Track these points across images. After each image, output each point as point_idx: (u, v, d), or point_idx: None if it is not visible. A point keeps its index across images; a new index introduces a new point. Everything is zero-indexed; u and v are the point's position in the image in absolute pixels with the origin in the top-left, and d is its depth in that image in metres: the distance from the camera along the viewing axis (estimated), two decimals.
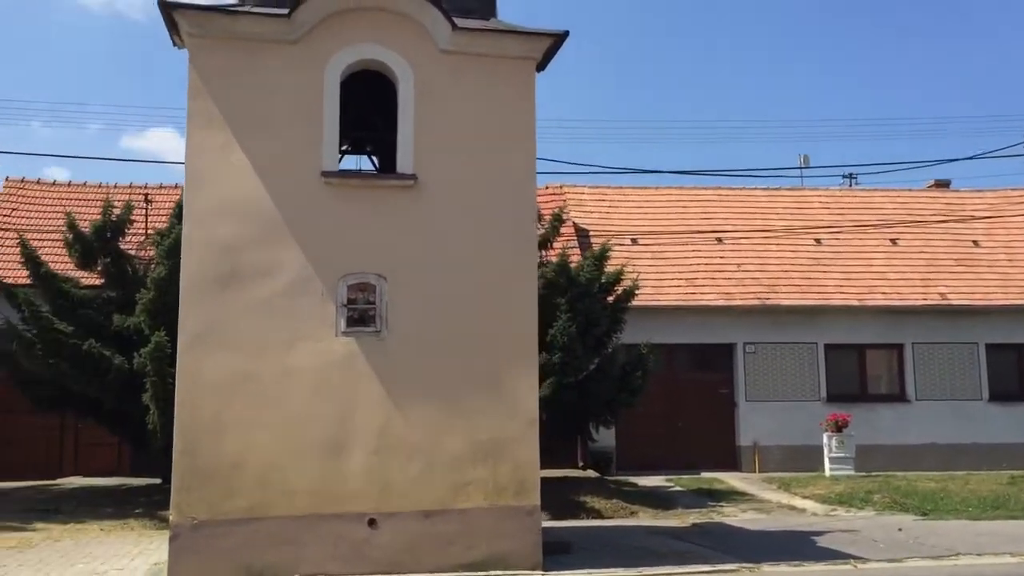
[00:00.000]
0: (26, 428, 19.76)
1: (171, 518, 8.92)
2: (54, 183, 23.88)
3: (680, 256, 23.27)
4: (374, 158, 12.28)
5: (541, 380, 15.46)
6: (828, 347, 22.43)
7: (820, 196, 26.11)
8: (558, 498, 15.39)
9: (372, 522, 9.15)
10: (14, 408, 18.90)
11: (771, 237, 23.90)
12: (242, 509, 8.92)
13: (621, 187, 25.83)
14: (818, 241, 24.00)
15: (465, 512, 9.33)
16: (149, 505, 14.98)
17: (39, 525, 13.60)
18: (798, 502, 16.60)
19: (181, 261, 9.24)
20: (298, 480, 9.03)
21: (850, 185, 32.55)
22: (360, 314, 9.34)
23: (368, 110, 10.73)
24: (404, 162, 9.64)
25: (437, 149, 9.64)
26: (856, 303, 22.44)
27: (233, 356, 9.02)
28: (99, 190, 22.55)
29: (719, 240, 23.76)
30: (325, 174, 9.40)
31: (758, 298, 22.26)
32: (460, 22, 9.68)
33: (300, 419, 9.10)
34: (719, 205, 25.15)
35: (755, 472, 21.19)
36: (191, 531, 8.85)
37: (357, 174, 10.79)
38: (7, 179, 23.56)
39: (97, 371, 15.20)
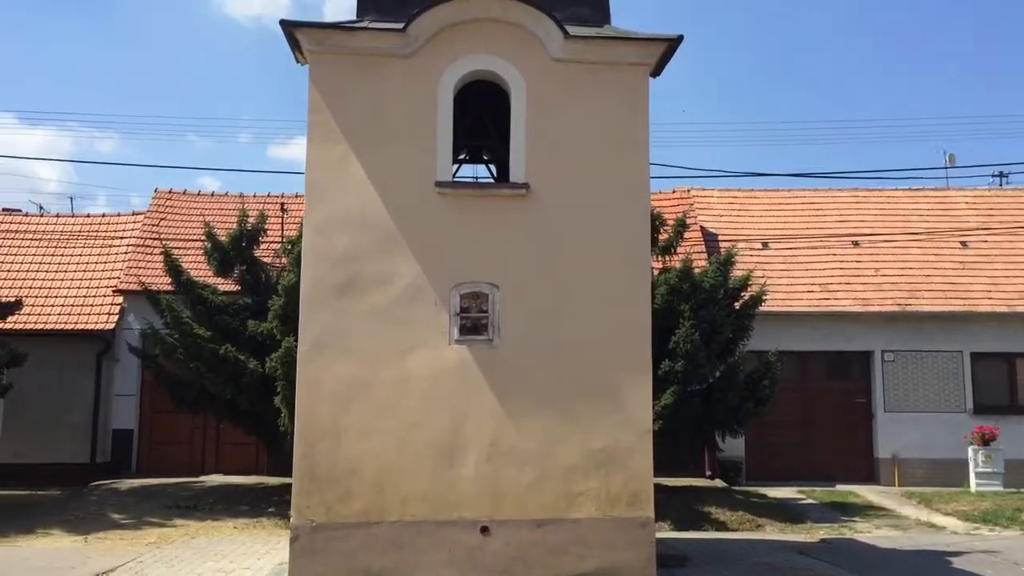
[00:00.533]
0: (174, 428, 20.87)
1: (291, 520, 9.24)
2: (199, 194, 25.09)
3: (814, 260, 22.53)
4: (492, 167, 12.40)
5: (664, 388, 15.49)
6: (975, 356, 21.28)
7: (967, 196, 24.81)
8: (681, 508, 15.19)
9: (484, 529, 9.22)
10: (163, 409, 20.02)
11: (913, 240, 22.88)
12: (358, 513, 9.14)
13: (752, 190, 25.20)
14: (964, 244, 22.81)
15: (577, 522, 9.29)
16: (281, 504, 15.55)
17: (178, 521, 14.34)
18: (938, 519, 15.83)
19: (301, 271, 9.55)
20: (412, 486, 9.19)
21: (1000, 184, 30.84)
22: (473, 322, 9.44)
23: (483, 119, 10.84)
24: (516, 171, 9.70)
25: (550, 157, 9.65)
26: (1006, 310, 21.22)
27: (350, 364, 9.26)
28: (240, 200, 23.49)
29: (856, 244, 22.89)
30: (439, 184, 9.54)
31: (897, 304, 21.34)
32: (573, 30, 9.66)
33: (414, 426, 9.26)
34: (856, 208, 24.24)
35: (894, 486, 20.33)
36: (310, 533, 9.13)
37: (470, 184, 10.91)
38: (156, 190, 24.89)
39: (233, 374, 15.91)
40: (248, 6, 72.58)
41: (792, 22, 65.87)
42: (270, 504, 15.87)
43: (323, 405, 9.23)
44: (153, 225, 23.02)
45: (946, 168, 25.66)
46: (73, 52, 66.10)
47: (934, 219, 23.63)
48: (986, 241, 22.83)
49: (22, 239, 22.88)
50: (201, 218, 20.65)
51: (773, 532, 14.44)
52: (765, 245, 22.81)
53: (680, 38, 9.67)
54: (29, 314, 19.66)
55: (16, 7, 67.13)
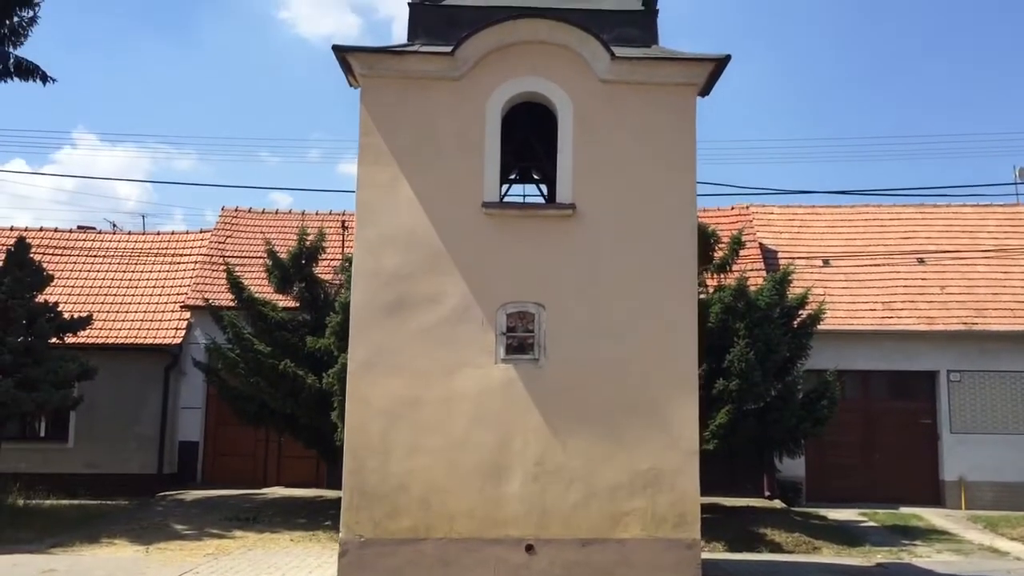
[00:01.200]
0: (238, 441, 21.32)
1: (340, 535, 9.40)
2: (263, 212, 25.64)
3: (877, 278, 22.12)
4: (542, 186, 12.47)
5: (718, 407, 15.36)
6: None
7: None
8: (736, 529, 15.02)
9: (530, 548, 9.26)
10: (227, 421, 20.47)
11: (980, 257, 22.34)
12: (406, 529, 9.26)
13: (813, 206, 24.84)
14: None
15: (623, 542, 9.28)
16: (337, 518, 15.64)
17: (237, 533, 14.63)
18: (1002, 544, 15.39)
19: (351, 290, 9.74)
20: (458, 504, 9.28)
21: None
22: (519, 342, 9.51)
23: (531, 139, 10.93)
24: (563, 192, 9.77)
25: (596, 178, 9.71)
26: None
27: (399, 381, 9.40)
28: (303, 218, 23.98)
29: (920, 261, 22.43)
30: (486, 205, 9.65)
31: (963, 323, 20.83)
32: (619, 51, 9.71)
33: (461, 444, 9.36)
34: (922, 224, 23.74)
35: (961, 509, 19.80)
36: (359, 548, 9.29)
37: (517, 205, 11.00)
38: (223, 208, 25.51)
39: (292, 389, 16.23)
40: (319, 26, 74.02)
41: (856, 38, 64.82)
42: (327, 517, 16.09)
43: (372, 422, 9.38)
44: (219, 242, 23.59)
45: (1016, 184, 24.96)
46: (152, 72, 68.09)
47: (1003, 235, 23.06)
48: None
49: (96, 256, 23.62)
50: (266, 235, 21.10)
51: (829, 555, 14.20)
52: (826, 262, 22.48)
53: (727, 58, 9.66)
54: (101, 329, 20.29)
55: (97, 27, 69.41)
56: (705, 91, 10.07)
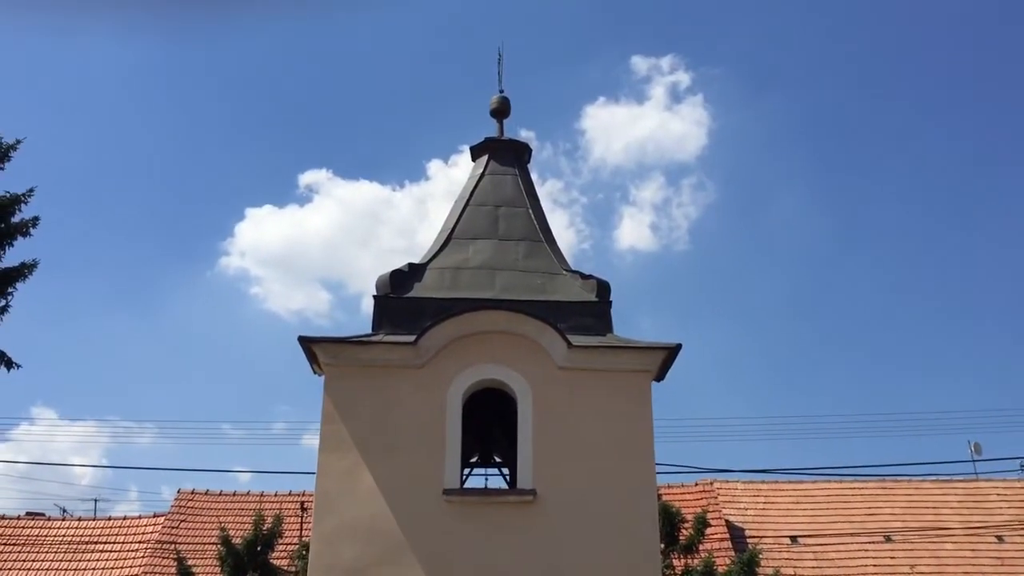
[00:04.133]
0: None
1: None
2: (220, 493, 25.10)
3: (846, 556, 21.83)
4: (504, 470, 12.45)
5: None
6: None
7: (998, 488, 24.32)
8: None
9: None
10: None
11: (946, 534, 22.18)
12: None
13: (777, 482, 24.90)
14: (1000, 538, 22.06)
15: None
16: None
17: None
18: None
19: None
20: None
21: None
22: None
23: (492, 423, 11.06)
24: (524, 477, 9.76)
25: (556, 463, 9.73)
26: None
27: None
28: (261, 499, 23.44)
29: (888, 539, 22.21)
30: (447, 492, 9.58)
31: None
32: (576, 340, 10.07)
33: None
34: (885, 500, 23.79)
35: None
36: None
37: (478, 491, 10.92)
38: (179, 491, 24.97)
39: None
40: (289, 301, 75.77)
41: (806, 314, 67.78)
42: None
43: None
44: (172, 527, 22.92)
45: (973, 461, 25.32)
46: (116, 345, 68.34)
47: (966, 512, 23.06)
48: (1023, 535, 22.06)
49: (43, 545, 22.74)
50: (220, 520, 20.51)
51: None
52: (794, 540, 22.18)
53: (678, 346, 10.05)
54: None
55: (57, 300, 70.31)
56: (660, 376, 10.37)
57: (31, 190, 17.16)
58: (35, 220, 17.01)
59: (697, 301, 69.48)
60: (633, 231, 74.41)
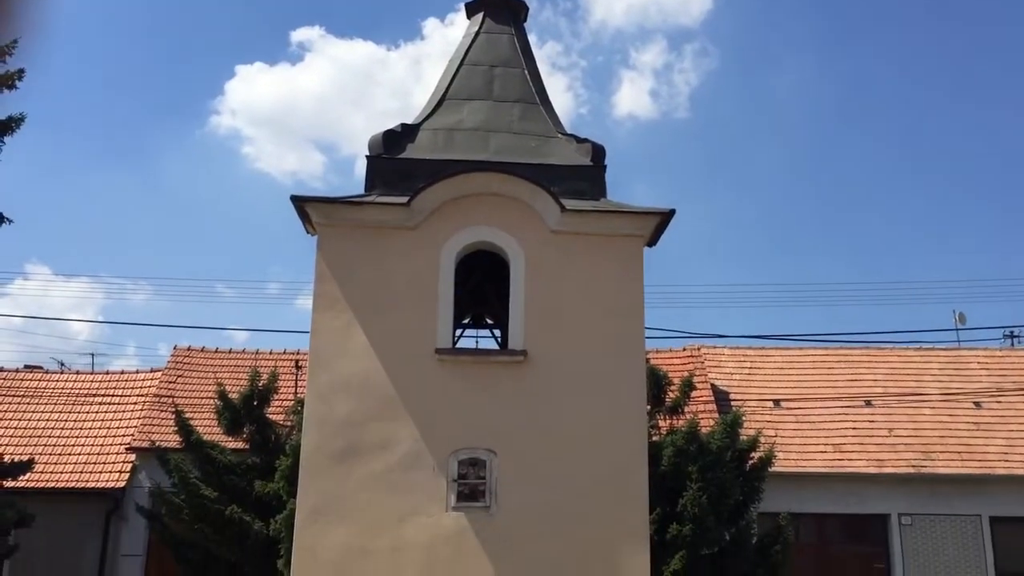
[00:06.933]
0: None
1: None
2: (216, 350, 25.47)
3: (827, 420, 22.41)
4: (496, 331, 12.65)
5: (672, 552, 15.20)
6: (994, 520, 20.79)
7: (979, 356, 24.81)
8: None
9: None
10: (171, 572, 19.64)
11: (925, 400, 22.78)
12: None
13: (763, 348, 25.35)
14: (978, 404, 22.67)
15: None
16: None
17: None
18: None
19: (302, 437, 9.68)
20: None
21: (1011, 345, 30.76)
22: (470, 489, 9.44)
23: (485, 285, 11.17)
24: (515, 338, 9.92)
25: (547, 325, 9.88)
26: None
27: (348, 531, 9.24)
28: (256, 357, 23.85)
29: (868, 403, 22.80)
30: (439, 351, 9.75)
31: (912, 465, 21.04)
32: (569, 204, 10.06)
33: None
34: (868, 367, 24.25)
35: None
36: None
37: (470, 351, 11.12)
38: (175, 347, 25.33)
39: (239, 536, 15.79)
40: (282, 162, 75.11)
41: (803, 184, 67.51)
42: None
43: (318, 574, 9.16)
44: (170, 382, 23.33)
45: (957, 329, 25.75)
46: (109, 203, 68.09)
47: (946, 379, 23.58)
48: (1000, 402, 22.68)
49: (41, 397, 23.19)
50: (219, 375, 20.89)
51: None
52: (777, 404, 22.76)
53: (672, 212, 10.05)
54: (42, 472, 19.74)
55: (52, 153, 69.73)
56: (652, 242, 10.42)
57: (15, 42, 16.68)
58: (20, 72, 16.61)
59: (695, 170, 69.20)
60: (632, 97, 73.52)
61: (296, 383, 20.88)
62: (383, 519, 9.31)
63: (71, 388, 23.66)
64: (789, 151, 64.09)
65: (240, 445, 17.89)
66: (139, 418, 22.16)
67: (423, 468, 9.44)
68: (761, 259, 66.12)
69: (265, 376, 17.76)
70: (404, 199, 10.00)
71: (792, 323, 64.32)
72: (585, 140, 10.76)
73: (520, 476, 9.44)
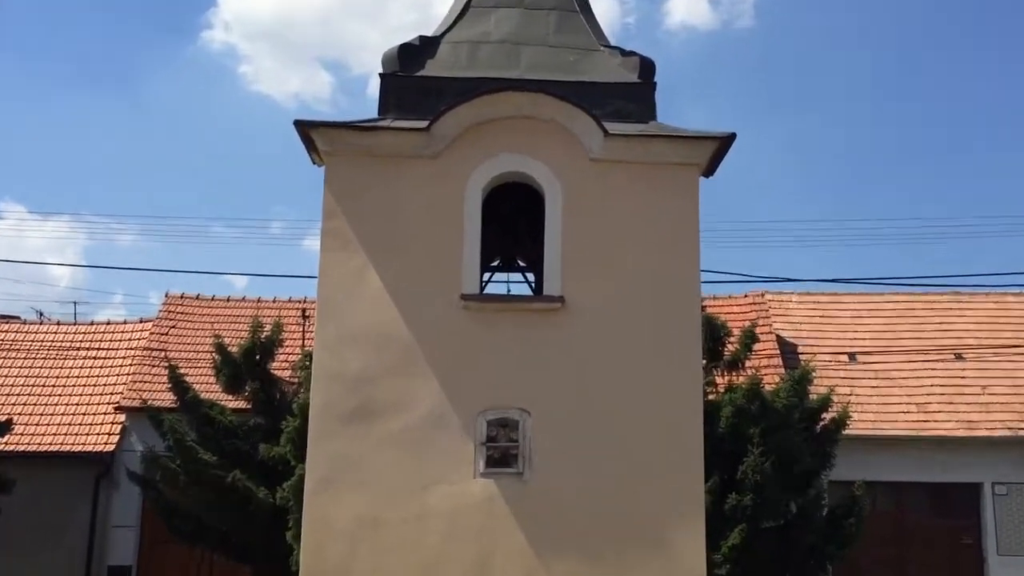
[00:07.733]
0: (181, 565, 20.98)
1: None
2: (213, 298, 25.81)
3: (910, 376, 22.39)
4: (529, 275, 12.66)
5: (731, 526, 15.33)
6: None
7: None
8: None
9: None
10: (166, 541, 20.19)
11: None
12: None
13: (836, 294, 25.25)
14: None
15: None
16: None
17: None
18: None
19: (310, 394, 9.81)
20: None
21: None
22: (501, 453, 9.54)
23: (516, 222, 11.15)
24: (551, 283, 9.92)
25: (588, 267, 9.86)
26: None
27: (362, 499, 9.39)
28: (258, 306, 24.14)
29: (959, 357, 22.68)
30: (464, 297, 9.78)
31: (1009, 428, 20.97)
32: (613, 127, 9.97)
33: (433, 569, 9.31)
34: (959, 315, 24.16)
35: None
36: None
37: (500, 297, 11.16)
38: (167, 295, 25.68)
39: (241, 505, 16.13)
40: (285, 84, 75.13)
41: (889, 104, 66.41)
42: None
43: (331, 545, 9.34)
44: (162, 334, 23.71)
45: None
46: (89, 132, 68.54)
47: None
48: None
49: (18, 350, 23.62)
50: (215, 325, 21.19)
51: None
52: (852, 358, 22.73)
53: (732, 136, 9.93)
54: (22, 435, 20.22)
55: (25, 77, 70.15)
56: (709, 171, 10.32)
57: None
58: None
59: (759, 88, 68.22)
60: (687, 4, 72.38)
61: (303, 334, 21.10)
62: (403, 486, 9.43)
63: (51, 341, 24.08)
64: (872, 66, 63.00)
65: (241, 404, 18.21)
66: (128, 374, 22.56)
67: (447, 429, 9.52)
68: (836, 192, 65.46)
69: (268, 327, 17.97)
70: (423, 123, 9.95)
71: (870, 265, 63.70)
72: (632, 53, 10.61)
73: (557, 439, 9.51)
